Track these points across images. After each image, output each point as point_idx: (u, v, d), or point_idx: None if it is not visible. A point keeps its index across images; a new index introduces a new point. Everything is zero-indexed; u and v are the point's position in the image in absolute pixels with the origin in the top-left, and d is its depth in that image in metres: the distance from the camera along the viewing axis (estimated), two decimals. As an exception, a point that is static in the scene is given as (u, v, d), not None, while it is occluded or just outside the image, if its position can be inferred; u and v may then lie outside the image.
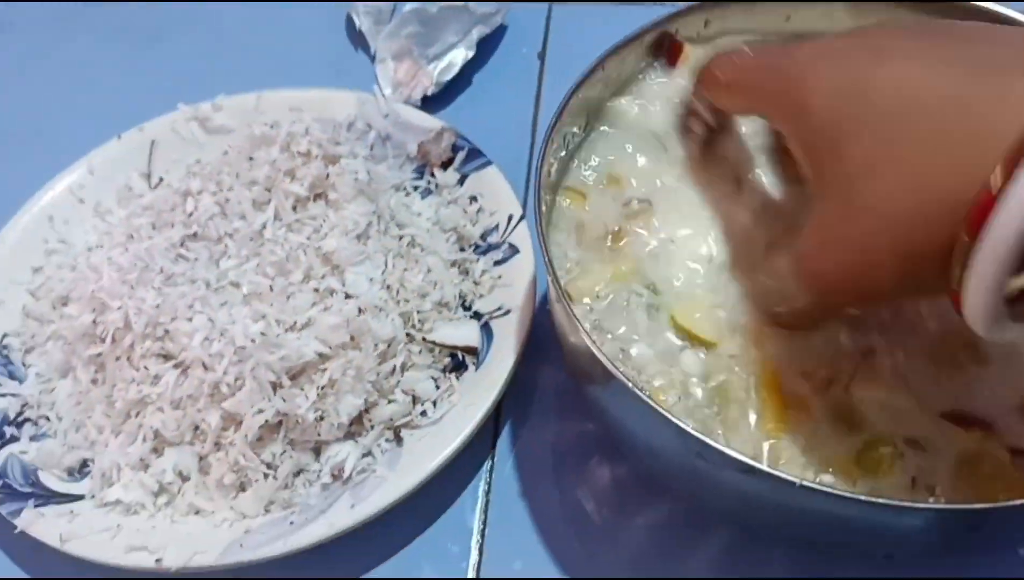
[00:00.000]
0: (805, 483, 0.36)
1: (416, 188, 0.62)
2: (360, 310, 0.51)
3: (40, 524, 0.48)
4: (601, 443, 0.52)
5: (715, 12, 0.53)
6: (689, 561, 0.49)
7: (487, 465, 0.53)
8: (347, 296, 0.53)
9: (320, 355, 0.50)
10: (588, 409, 0.53)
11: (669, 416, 0.37)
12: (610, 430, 0.47)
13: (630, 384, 0.38)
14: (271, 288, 0.52)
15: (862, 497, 0.36)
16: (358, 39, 0.76)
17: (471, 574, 0.49)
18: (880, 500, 0.35)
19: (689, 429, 0.37)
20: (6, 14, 0.81)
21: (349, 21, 0.76)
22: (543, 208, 0.45)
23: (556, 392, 0.55)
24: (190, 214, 0.56)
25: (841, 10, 0.54)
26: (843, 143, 0.36)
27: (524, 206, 0.59)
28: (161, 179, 0.64)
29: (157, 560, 0.46)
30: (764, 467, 0.37)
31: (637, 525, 0.50)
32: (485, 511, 0.51)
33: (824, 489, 0.36)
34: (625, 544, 0.49)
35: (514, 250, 0.57)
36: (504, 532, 0.50)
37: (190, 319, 0.50)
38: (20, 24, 0.80)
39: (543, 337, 0.54)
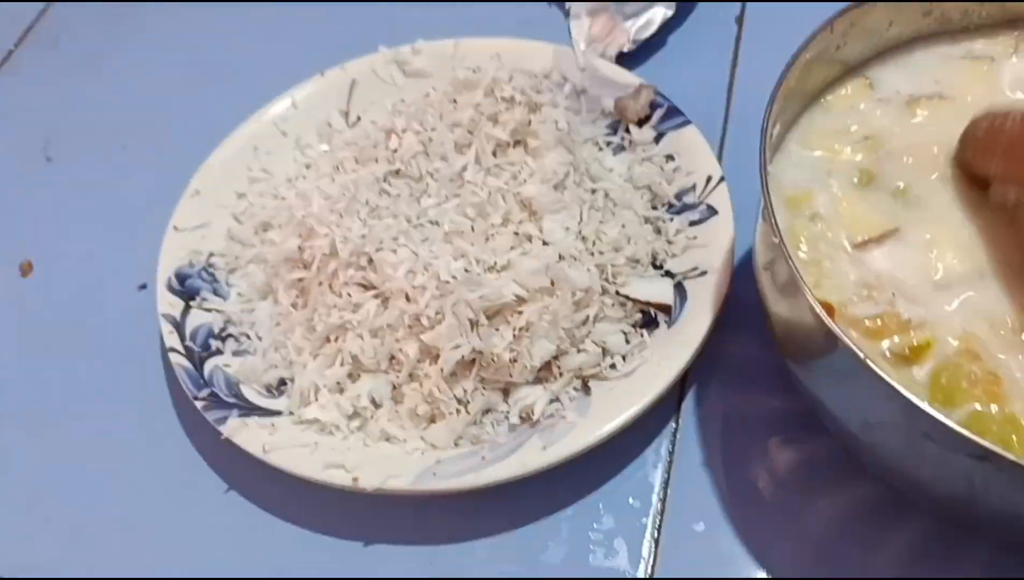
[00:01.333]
0: None
1: (609, 144, 0.62)
2: (560, 257, 0.51)
3: (244, 433, 0.50)
4: (792, 419, 0.51)
5: None
6: (877, 550, 0.47)
7: (671, 426, 0.52)
8: (544, 243, 0.53)
9: (518, 298, 0.50)
10: (780, 383, 0.52)
11: (900, 389, 0.36)
12: (813, 403, 0.45)
13: (861, 353, 0.37)
14: (472, 228, 0.53)
15: None
16: (551, -7, 0.75)
17: (650, 529, 0.49)
18: None
19: (922, 405, 0.36)
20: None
21: (543, -26, 0.76)
22: (768, 166, 0.44)
23: (746, 362, 0.54)
24: (394, 151, 0.57)
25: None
26: None
27: (721, 165, 0.58)
28: (359, 117, 0.65)
29: (354, 479, 0.47)
30: (1006, 453, 0.35)
31: (824, 506, 0.49)
32: (668, 471, 0.51)
33: None
34: (809, 524, 0.48)
35: (712, 211, 0.56)
36: (686, 494, 0.50)
37: (395, 251, 0.52)
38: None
39: (738, 302, 0.53)
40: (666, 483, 0.50)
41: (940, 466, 0.38)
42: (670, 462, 0.51)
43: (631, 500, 0.50)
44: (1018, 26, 0.53)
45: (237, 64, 0.74)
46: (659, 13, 0.70)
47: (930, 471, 0.40)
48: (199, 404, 0.51)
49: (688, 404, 0.53)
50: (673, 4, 0.70)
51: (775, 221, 0.41)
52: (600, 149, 0.62)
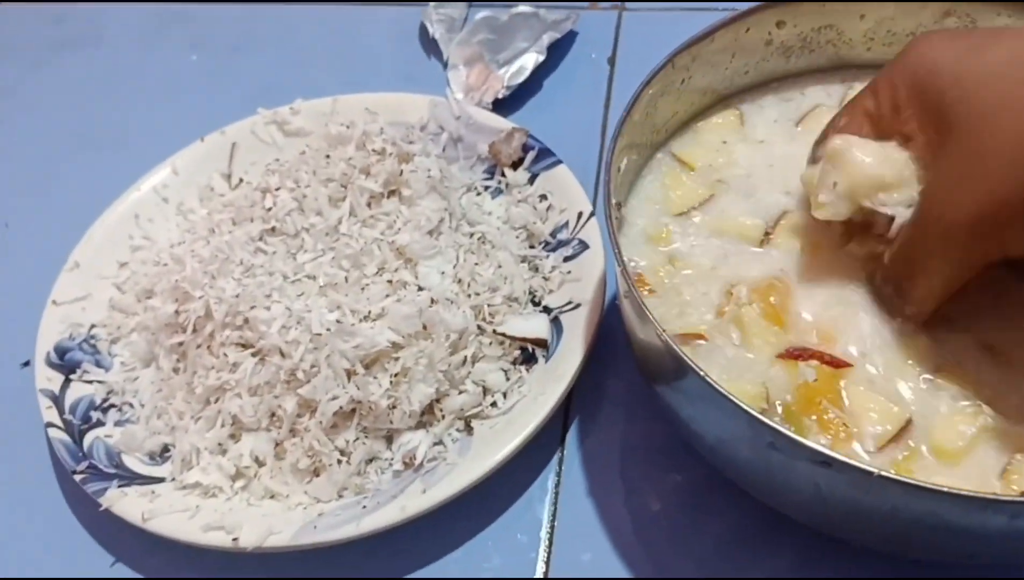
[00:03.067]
0: (884, 473, 0.35)
1: (487, 188, 0.63)
2: (432, 301, 0.52)
3: (123, 503, 0.49)
4: (670, 443, 0.52)
5: (787, 11, 0.54)
6: (758, 567, 0.48)
7: (556, 458, 0.53)
8: (419, 289, 0.54)
9: (393, 344, 0.51)
10: (658, 408, 0.53)
11: (741, 403, 0.37)
12: (679, 427, 0.46)
13: (701, 371, 0.38)
14: (346, 279, 0.53)
15: (945, 488, 0.34)
16: (430, 47, 0.77)
17: (540, 564, 0.49)
18: (967, 492, 0.34)
19: (761, 416, 0.37)
20: (97, 28, 0.84)
21: (422, 30, 0.78)
22: (612, 200, 0.45)
23: (625, 390, 0.55)
24: (268, 209, 0.58)
25: (920, 9, 0.54)
26: (967, 97, 0.39)
27: (594, 203, 0.60)
28: (241, 180, 0.66)
29: (234, 539, 0.47)
30: (839, 456, 0.36)
31: (706, 528, 0.49)
32: (555, 503, 0.51)
33: (902, 479, 0.35)
34: (694, 546, 0.49)
35: (584, 246, 0.57)
36: (573, 525, 0.50)
37: (268, 308, 0.52)
38: (109, 37, 0.84)
39: (612, 334, 0.54)
40: (553, 516, 0.51)
41: (788, 475, 0.40)
42: (556, 495, 0.51)
43: (519, 536, 0.50)
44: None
45: (118, 135, 0.75)
46: (531, 59, 0.72)
47: (781, 481, 0.41)
48: (77, 477, 0.51)
49: (572, 435, 0.54)
50: (544, 50, 0.72)
51: (618, 251, 0.43)
52: (478, 194, 0.63)
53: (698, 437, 0.44)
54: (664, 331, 0.40)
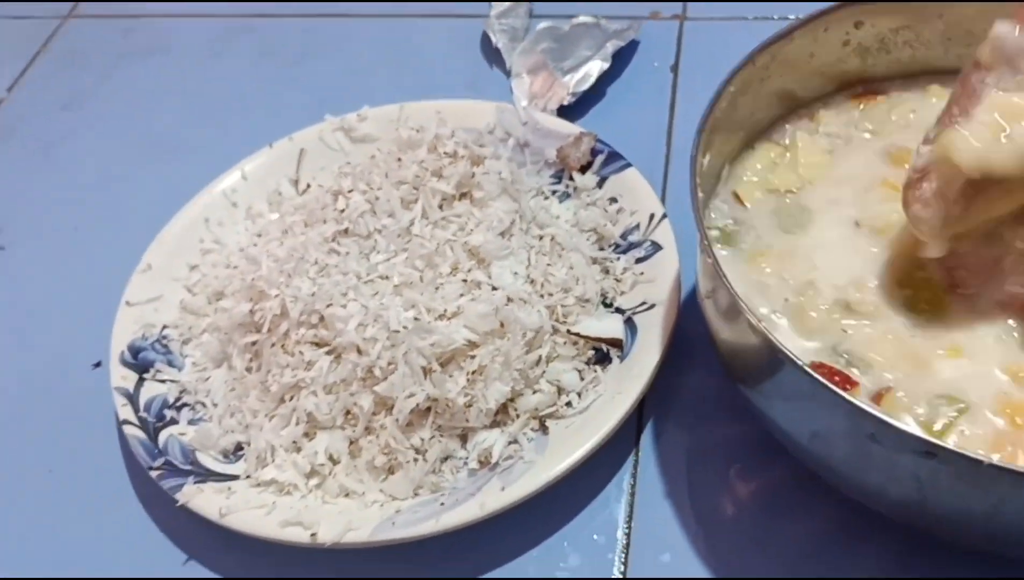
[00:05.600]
0: (996, 462, 0.34)
1: (555, 192, 0.63)
2: (508, 299, 0.52)
3: (200, 499, 0.49)
4: (749, 443, 0.51)
5: (866, 11, 0.53)
6: (845, 567, 0.47)
7: (631, 459, 0.52)
8: (493, 288, 0.54)
9: (469, 342, 0.50)
10: (736, 409, 0.52)
11: (840, 393, 0.36)
12: (766, 424, 0.46)
13: (799, 361, 0.38)
14: (421, 279, 0.53)
15: None
16: (493, 56, 0.78)
17: (618, 564, 0.48)
18: None
19: (864, 406, 0.36)
20: (165, 39, 0.86)
21: (484, 39, 0.79)
22: (700, 194, 0.45)
23: (700, 391, 0.54)
24: (341, 211, 0.58)
25: (998, 8, 0.53)
26: None
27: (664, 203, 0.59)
28: (308, 185, 0.67)
29: (312, 535, 0.47)
30: (949, 445, 0.35)
31: (790, 528, 0.48)
32: (631, 504, 0.50)
33: (1013, 467, 0.34)
34: (777, 547, 0.48)
35: (657, 247, 0.57)
36: (650, 526, 0.49)
37: (344, 306, 0.52)
38: (176, 47, 0.85)
39: (687, 336, 0.54)
40: (630, 517, 0.50)
41: (888, 468, 0.39)
42: (632, 495, 0.51)
43: (596, 536, 0.49)
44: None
45: (187, 142, 0.76)
46: (596, 66, 0.72)
47: (879, 476, 0.40)
48: (154, 473, 0.51)
49: (647, 437, 0.53)
50: (609, 57, 0.72)
51: (708, 246, 0.42)
52: (546, 198, 0.63)
53: (788, 435, 0.43)
54: (761, 322, 0.39)
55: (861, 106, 0.56)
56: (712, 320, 0.47)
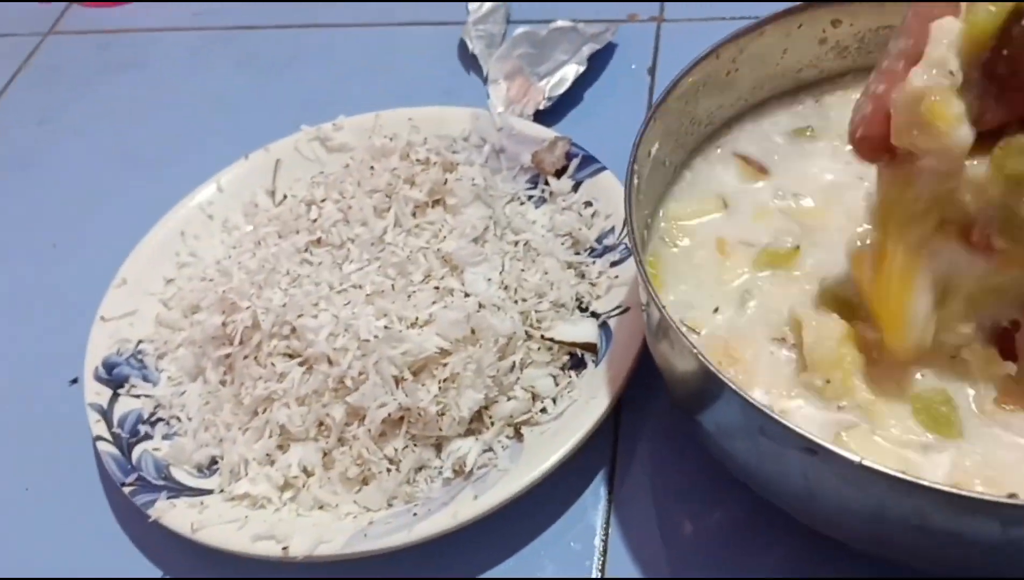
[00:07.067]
0: (867, 463, 0.32)
1: (530, 197, 0.63)
2: (480, 306, 0.51)
3: (172, 514, 0.49)
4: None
5: (844, 10, 0.53)
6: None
7: (608, 465, 0.52)
8: (466, 295, 0.53)
9: (441, 350, 0.50)
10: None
11: (732, 386, 0.36)
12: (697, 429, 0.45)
13: (695, 349, 0.37)
14: (393, 287, 0.53)
15: (927, 482, 0.32)
16: (470, 62, 0.77)
17: (595, 572, 0.48)
18: (958, 491, 0.32)
19: (752, 399, 0.35)
20: (141, 54, 0.86)
21: (461, 46, 0.79)
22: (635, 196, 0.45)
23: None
24: (314, 221, 0.58)
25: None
26: None
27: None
28: (285, 196, 0.66)
29: (283, 548, 0.46)
30: (824, 443, 0.34)
31: (765, 538, 0.47)
32: (608, 511, 0.50)
33: (887, 471, 0.32)
34: (754, 554, 0.47)
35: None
36: (628, 533, 0.49)
37: (315, 316, 0.51)
38: (152, 61, 0.85)
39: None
40: (607, 524, 0.49)
41: (781, 464, 0.38)
42: (610, 502, 0.50)
43: (573, 544, 0.49)
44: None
45: (164, 156, 0.76)
46: (571, 70, 0.72)
47: (773, 468, 0.39)
48: (127, 490, 0.50)
49: (624, 442, 0.52)
50: (585, 61, 0.72)
51: (640, 260, 0.42)
52: (522, 203, 0.63)
53: (701, 427, 0.43)
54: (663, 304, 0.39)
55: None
56: (648, 323, 0.46)
